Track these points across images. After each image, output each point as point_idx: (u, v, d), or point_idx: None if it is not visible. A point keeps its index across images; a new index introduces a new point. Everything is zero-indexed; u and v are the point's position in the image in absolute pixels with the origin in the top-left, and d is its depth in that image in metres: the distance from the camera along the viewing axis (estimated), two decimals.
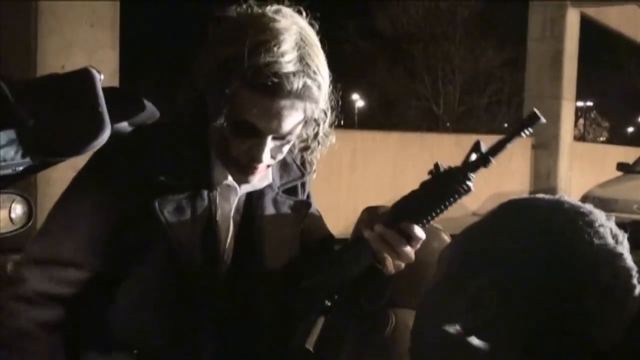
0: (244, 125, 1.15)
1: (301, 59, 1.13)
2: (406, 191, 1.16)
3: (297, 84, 1.12)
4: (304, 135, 1.28)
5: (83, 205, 1.23)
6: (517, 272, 0.79)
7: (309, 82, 1.14)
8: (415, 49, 25.10)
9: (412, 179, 1.40)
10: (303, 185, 1.41)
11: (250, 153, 1.19)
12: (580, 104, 34.15)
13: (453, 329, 0.82)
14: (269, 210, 1.33)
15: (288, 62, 1.11)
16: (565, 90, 12.69)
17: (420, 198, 1.13)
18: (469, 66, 25.10)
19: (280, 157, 1.24)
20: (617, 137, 39.39)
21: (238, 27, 1.15)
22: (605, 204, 8.28)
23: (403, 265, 1.19)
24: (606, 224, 0.82)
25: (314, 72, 1.14)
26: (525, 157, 12.73)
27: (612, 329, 0.79)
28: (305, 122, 1.21)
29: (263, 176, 1.29)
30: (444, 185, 1.12)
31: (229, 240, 1.30)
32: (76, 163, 1.24)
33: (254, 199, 1.32)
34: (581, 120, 38.65)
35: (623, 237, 0.82)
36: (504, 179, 12.08)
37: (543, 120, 1.11)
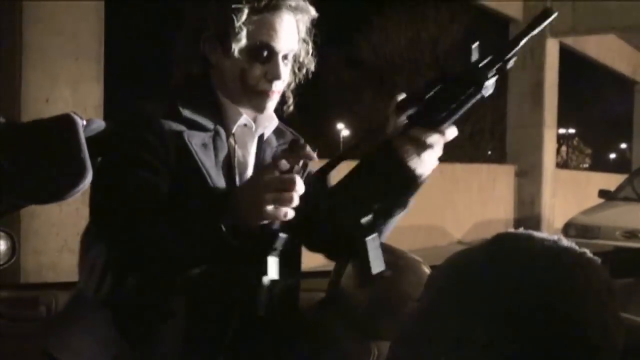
0: (259, 48, 1.34)
1: None
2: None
3: (292, 2, 1.36)
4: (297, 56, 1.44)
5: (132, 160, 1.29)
6: (510, 310, 0.76)
7: (300, 4, 1.38)
8: (398, 78, 25.32)
9: None
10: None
11: (268, 75, 1.36)
12: (562, 131, 34.51)
13: None
14: (268, 161, 1.43)
15: None
16: (546, 118, 12.85)
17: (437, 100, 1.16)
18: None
19: (286, 79, 1.41)
20: (599, 164, 39.78)
21: None
22: (588, 231, 8.34)
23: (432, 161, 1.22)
24: (603, 276, 0.79)
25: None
26: (509, 184, 12.81)
27: None
28: (298, 41, 1.41)
29: (271, 117, 1.45)
30: (460, 83, 1.12)
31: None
32: None
33: (261, 153, 1.46)
34: (564, 148, 39.01)
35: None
36: (487, 207, 12.14)
37: (556, 13, 1.14)
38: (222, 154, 1.38)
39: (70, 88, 4.38)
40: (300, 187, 1.16)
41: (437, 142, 1.20)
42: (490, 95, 1.15)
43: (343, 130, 33.13)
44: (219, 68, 1.39)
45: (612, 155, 45.58)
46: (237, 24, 1.31)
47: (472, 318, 0.78)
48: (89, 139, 1.28)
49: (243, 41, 1.32)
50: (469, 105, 1.14)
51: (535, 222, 12.61)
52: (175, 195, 1.30)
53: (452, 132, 1.21)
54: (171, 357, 1.35)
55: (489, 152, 26.50)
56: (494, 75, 1.12)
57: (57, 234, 4.31)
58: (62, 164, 1.07)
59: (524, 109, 12.65)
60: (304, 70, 1.49)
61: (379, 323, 1.28)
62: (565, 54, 13.93)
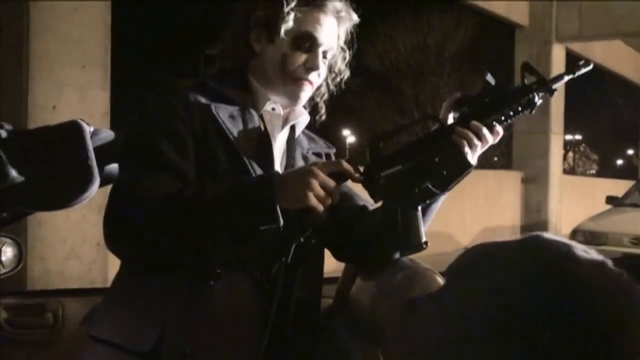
0: (303, 37, 1.42)
1: None
2: None
3: (338, 5, 1.46)
4: (335, 59, 1.53)
5: (161, 130, 1.32)
6: (554, 312, 0.72)
7: (344, 10, 1.48)
8: (404, 84, 25.34)
9: None
10: (328, 156, 1.61)
11: (308, 64, 1.43)
12: (569, 137, 34.44)
13: None
14: (299, 162, 1.51)
15: None
16: (553, 124, 12.83)
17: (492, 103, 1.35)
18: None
19: (322, 76, 1.48)
20: (606, 170, 39.67)
21: None
22: (596, 238, 8.31)
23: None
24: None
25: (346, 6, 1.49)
26: (515, 191, 12.79)
27: None
28: (338, 46, 1.50)
29: (303, 111, 1.51)
30: (514, 95, 1.35)
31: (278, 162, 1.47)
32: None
33: (290, 149, 1.51)
34: (571, 154, 38.93)
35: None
36: (494, 213, 12.12)
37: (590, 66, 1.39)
38: (251, 126, 1.42)
39: (77, 95, 4.39)
40: (335, 199, 1.27)
41: (488, 139, 1.36)
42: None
43: (349, 136, 33.14)
44: (261, 56, 1.45)
45: (619, 161, 45.46)
46: (286, 9, 1.39)
47: (508, 318, 0.74)
48: (97, 148, 1.28)
49: (290, 25, 1.40)
50: (516, 117, 1.37)
51: (542, 228, 12.58)
52: (204, 165, 1.32)
53: (498, 134, 1.38)
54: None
55: (495, 158, 26.46)
56: (540, 98, 1.36)
57: (64, 240, 4.31)
58: (69, 171, 1.07)
59: (530, 115, 12.60)
60: (338, 80, 1.57)
61: (386, 330, 1.27)
62: (574, 59, 13.91)
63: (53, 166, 1.06)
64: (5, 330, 1.82)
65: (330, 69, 1.54)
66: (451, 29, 24.68)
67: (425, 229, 1.40)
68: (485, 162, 25.00)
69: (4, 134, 0.97)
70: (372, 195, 1.33)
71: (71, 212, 3.98)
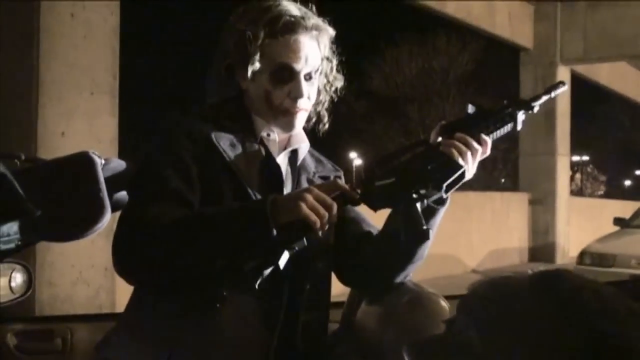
0: (280, 69, 1.42)
1: (305, 11, 1.46)
2: None
3: (310, 21, 1.43)
4: (323, 75, 1.52)
5: (166, 161, 1.35)
6: (559, 345, 0.77)
7: (319, 20, 1.46)
8: (410, 108, 25.40)
9: None
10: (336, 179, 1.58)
11: (292, 94, 1.43)
12: (576, 158, 34.36)
13: None
14: (304, 185, 1.49)
15: (297, 8, 1.44)
16: (559, 146, 12.82)
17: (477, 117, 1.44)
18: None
19: (313, 97, 1.49)
20: (614, 191, 39.48)
21: (251, 7, 1.44)
22: (603, 260, 8.27)
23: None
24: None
25: (318, 17, 1.47)
26: (523, 213, 12.74)
27: None
28: (322, 59, 1.48)
29: (301, 136, 1.52)
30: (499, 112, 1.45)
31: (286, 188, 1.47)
32: None
33: (294, 173, 1.52)
34: (578, 175, 38.80)
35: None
36: (502, 236, 12.07)
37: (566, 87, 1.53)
38: (252, 152, 1.43)
39: (86, 122, 4.43)
40: (333, 216, 1.27)
41: (475, 146, 1.39)
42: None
43: (355, 159, 33.16)
44: (248, 92, 1.47)
45: (627, 182, 45.28)
46: (251, 49, 1.39)
47: (512, 349, 0.78)
48: (107, 178, 1.31)
49: (258, 65, 1.40)
50: (502, 131, 1.45)
51: (550, 250, 12.52)
52: (208, 193, 1.35)
53: (486, 143, 1.41)
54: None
55: (502, 180, 26.41)
56: (522, 114, 1.45)
57: (73, 266, 4.33)
58: (82, 204, 1.09)
59: (537, 137, 12.63)
60: (334, 88, 1.56)
61: (392, 355, 1.28)
62: (579, 81, 13.95)
63: (66, 199, 1.08)
64: (15, 356, 1.83)
65: (326, 78, 1.54)
66: (456, 52, 24.78)
67: (428, 249, 1.43)
68: (493, 183, 24.98)
69: (17, 166, 0.99)
70: (370, 206, 1.34)
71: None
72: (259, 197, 1.38)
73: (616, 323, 0.77)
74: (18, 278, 1.68)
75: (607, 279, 0.85)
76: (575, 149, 14.24)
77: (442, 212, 1.46)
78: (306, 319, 1.43)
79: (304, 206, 1.24)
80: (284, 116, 1.45)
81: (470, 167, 1.39)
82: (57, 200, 1.06)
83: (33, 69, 4.26)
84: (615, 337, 0.76)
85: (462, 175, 1.34)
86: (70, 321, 1.96)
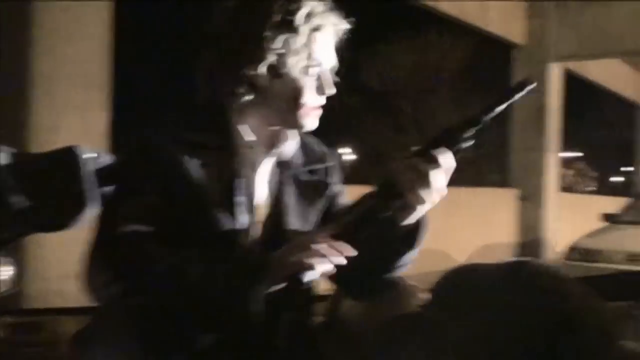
0: (312, 65, 1.40)
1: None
2: None
3: (334, 20, 1.43)
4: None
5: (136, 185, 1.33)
6: (525, 333, 0.82)
7: (339, 20, 1.45)
8: (402, 103, 25.40)
9: None
10: (327, 170, 1.57)
11: (322, 88, 1.42)
12: (568, 154, 34.45)
13: None
14: (287, 187, 1.48)
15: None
16: (549, 143, 12.86)
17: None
18: (455, 120, 25.21)
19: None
20: (604, 187, 39.65)
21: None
22: (591, 255, 8.32)
23: (432, 198, 1.37)
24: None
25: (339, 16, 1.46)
26: (511, 208, 12.78)
27: None
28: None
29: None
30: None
31: (263, 203, 1.45)
32: None
33: (275, 173, 1.48)
34: (569, 171, 38.93)
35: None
36: (489, 231, 12.09)
37: (534, 84, 1.33)
38: (226, 175, 1.39)
39: (77, 116, 4.43)
40: (326, 252, 1.25)
41: (429, 167, 1.33)
42: (492, 119, 1.41)
43: (347, 155, 33.15)
44: (268, 92, 1.40)
45: (617, 179, 45.43)
46: (295, 47, 1.37)
47: (480, 335, 0.84)
48: (97, 171, 1.32)
49: (289, 61, 1.38)
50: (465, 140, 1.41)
51: (538, 246, 12.57)
52: (180, 220, 1.33)
53: (447, 159, 1.36)
54: None
55: (491, 176, 26.43)
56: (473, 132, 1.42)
57: (63, 260, 4.33)
58: (65, 196, 1.11)
59: (527, 133, 12.65)
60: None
61: (376, 349, 1.30)
62: (571, 78, 13.98)
63: (50, 190, 1.10)
64: (3, 348, 1.85)
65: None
66: (449, 48, 24.77)
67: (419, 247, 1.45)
68: (481, 179, 25.00)
69: (4, 159, 1.01)
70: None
71: (69, 230, 3.99)
72: (233, 221, 1.37)
73: (571, 303, 0.83)
74: (6, 272, 1.69)
75: (594, 274, 0.89)
76: (566, 145, 14.26)
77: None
78: (289, 317, 1.44)
79: (290, 260, 1.26)
80: (307, 114, 1.43)
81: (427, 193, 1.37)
82: (41, 191, 1.08)
83: (25, 63, 4.26)
84: (570, 315, 0.82)
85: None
86: (59, 314, 1.97)
